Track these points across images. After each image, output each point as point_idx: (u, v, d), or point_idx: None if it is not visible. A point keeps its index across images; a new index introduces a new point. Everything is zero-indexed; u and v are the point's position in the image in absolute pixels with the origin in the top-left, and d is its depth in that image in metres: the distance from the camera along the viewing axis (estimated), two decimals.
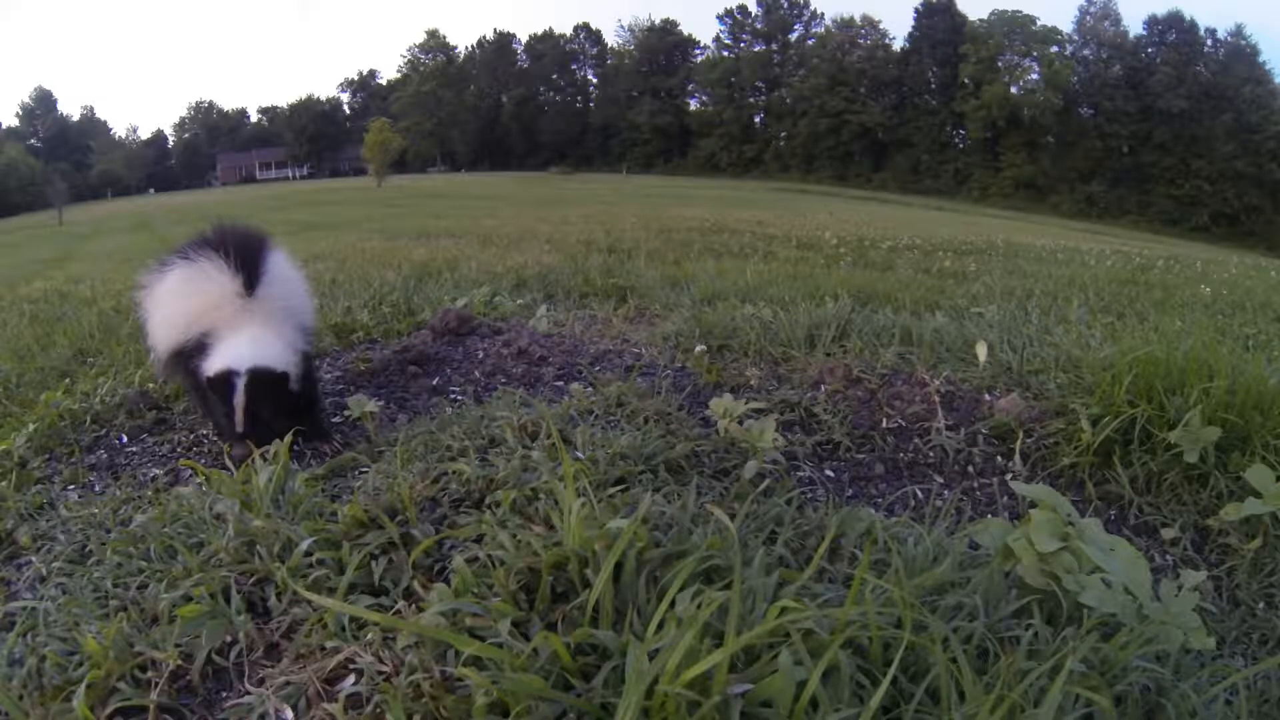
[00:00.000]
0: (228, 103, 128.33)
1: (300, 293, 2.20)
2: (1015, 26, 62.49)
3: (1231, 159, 53.54)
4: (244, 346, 1.86)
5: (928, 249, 8.05)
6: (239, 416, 1.82)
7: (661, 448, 1.79)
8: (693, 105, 78.67)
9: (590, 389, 2.26)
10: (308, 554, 1.35)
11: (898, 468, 1.96)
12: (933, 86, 67.25)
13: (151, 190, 69.19)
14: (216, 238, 2.00)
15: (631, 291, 4.13)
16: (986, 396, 2.24)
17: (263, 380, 1.83)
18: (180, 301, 1.98)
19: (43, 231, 25.00)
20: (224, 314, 1.92)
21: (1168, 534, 1.73)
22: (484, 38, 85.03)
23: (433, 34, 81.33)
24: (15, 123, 77.29)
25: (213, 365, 1.85)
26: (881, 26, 69.76)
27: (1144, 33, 60.70)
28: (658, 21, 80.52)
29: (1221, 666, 1.26)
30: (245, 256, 1.96)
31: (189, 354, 1.94)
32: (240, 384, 1.81)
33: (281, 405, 1.88)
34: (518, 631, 1.08)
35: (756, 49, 75.42)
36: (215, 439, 2.13)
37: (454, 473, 1.64)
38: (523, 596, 1.17)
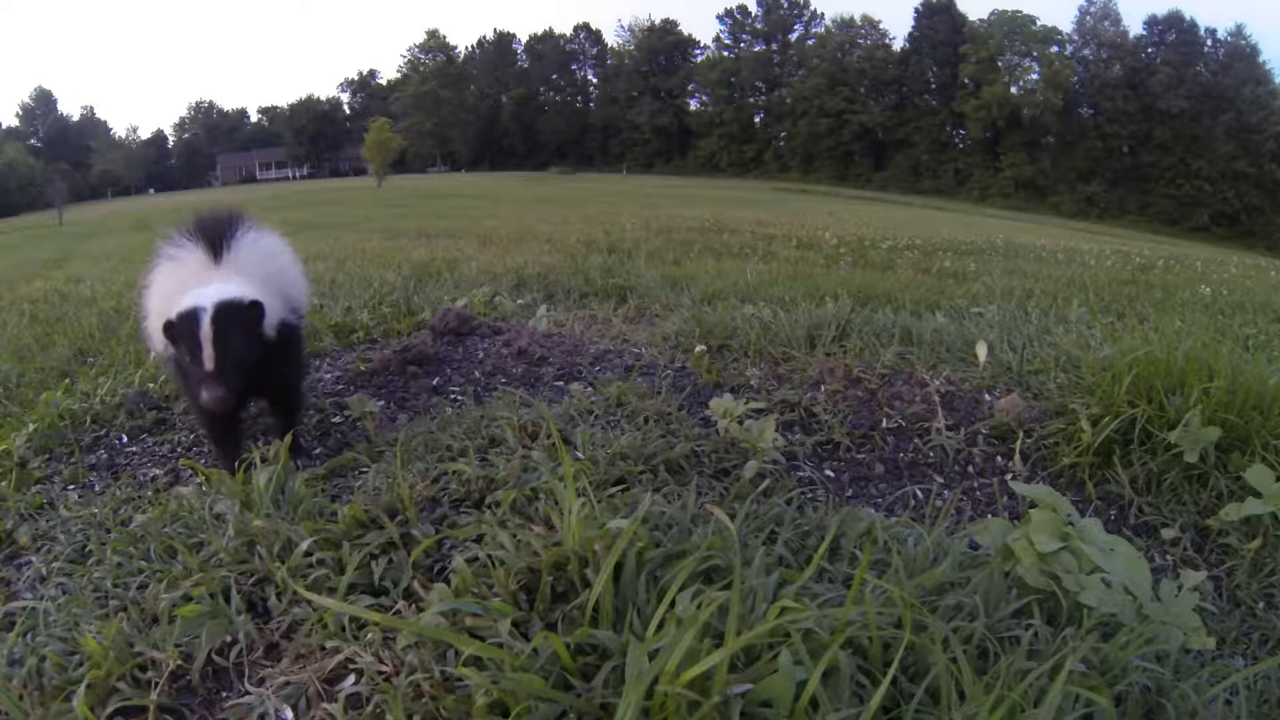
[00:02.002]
0: (228, 103, 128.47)
1: (283, 264, 2.08)
2: (1015, 26, 62.47)
3: (1231, 159, 53.52)
4: (210, 288, 1.70)
5: (928, 249, 8.05)
6: (207, 351, 1.60)
7: (661, 448, 1.79)
8: (693, 105, 78.67)
9: (590, 389, 2.26)
10: (308, 554, 1.35)
11: (898, 468, 1.96)
12: (933, 86, 67.23)
13: (151, 190, 69.20)
14: (188, 223, 1.94)
15: (631, 291, 4.13)
16: (986, 396, 2.24)
17: (232, 311, 1.65)
18: (159, 291, 1.91)
19: (43, 231, 25.00)
20: (195, 285, 1.77)
21: (1168, 534, 1.72)
22: (484, 38, 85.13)
23: (433, 34, 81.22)
24: (15, 123, 77.38)
25: (175, 310, 1.66)
26: (881, 26, 69.73)
27: (1144, 33, 60.71)
28: (658, 21, 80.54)
29: (1221, 666, 1.26)
30: (210, 229, 1.88)
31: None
32: (206, 318, 1.61)
33: (254, 346, 1.71)
34: (518, 631, 1.08)
35: (756, 49, 75.40)
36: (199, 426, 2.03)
37: (454, 473, 1.64)
38: (523, 596, 1.17)
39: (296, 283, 2.12)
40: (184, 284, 1.78)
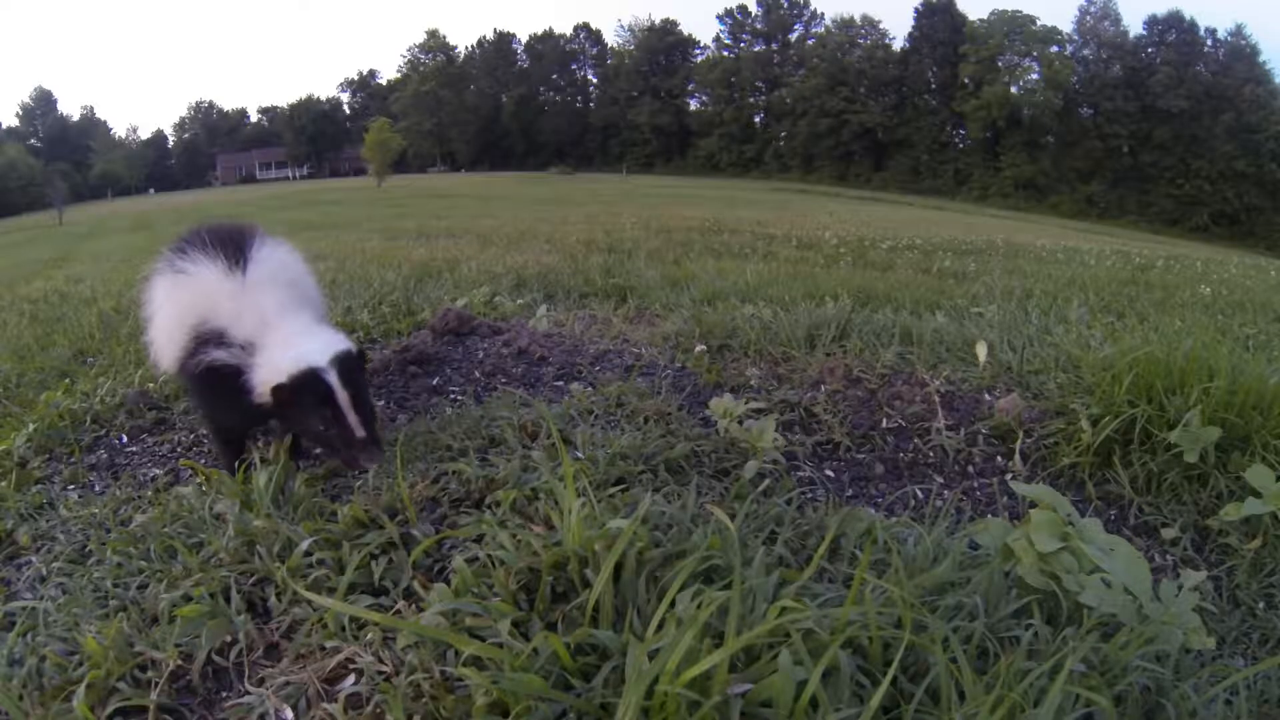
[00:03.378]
0: (228, 103, 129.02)
1: (301, 274, 2.00)
2: (1015, 26, 62.47)
3: (1231, 159, 53.53)
4: (302, 340, 1.58)
5: (928, 249, 8.05)
6: (352, 419, 1.51)
7: (661, 448, 1.79)
8: (693, 105, 78.70)
9: (590, 389, 2.26)
10: (308, 554, 1.35)
11: (898, 468, 1.96)
12: (933, 86, 67.24)
13: (151, 190, 69.27)
14: (198, 236, 1.80)
15: (631, 291, 4.13)
16: (986, 396, 2.24)
17: (355, 363, 1.57)
18: (175, 306, 1.78)
19: (43, 231, 24.98)
20: (224, 303, 1.67)
21: (1168, 534, 1.72)
22: (484, 38, 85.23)
23: (433, 34, 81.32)
24: (15, 123, 77.43)
25: (277, 370, 1.53)
26: (881, 26, 69.79)
27: (1144, 33, 60.72)
28: (658, 21, 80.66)
29: (1221, 666, 1.26)
30: (226, 240, 1.77)
31: (195, 351, 1.68)
32: (334, 379, 1.50)
33: (368, 391, 1.63)
34: (518, 631, 1.08)
35: (756, 49, 75.45)
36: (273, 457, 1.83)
37: (454, 473, 1.64)
38: (523, 596, 1.17)
39: (313, 291, 2.05)
40: (210, 301, 1.69)
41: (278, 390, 1.53)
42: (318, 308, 1.98)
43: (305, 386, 1.51)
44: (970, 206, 48.06)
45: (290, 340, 1.58)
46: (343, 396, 1.51)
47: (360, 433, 1.53)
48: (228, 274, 1.72)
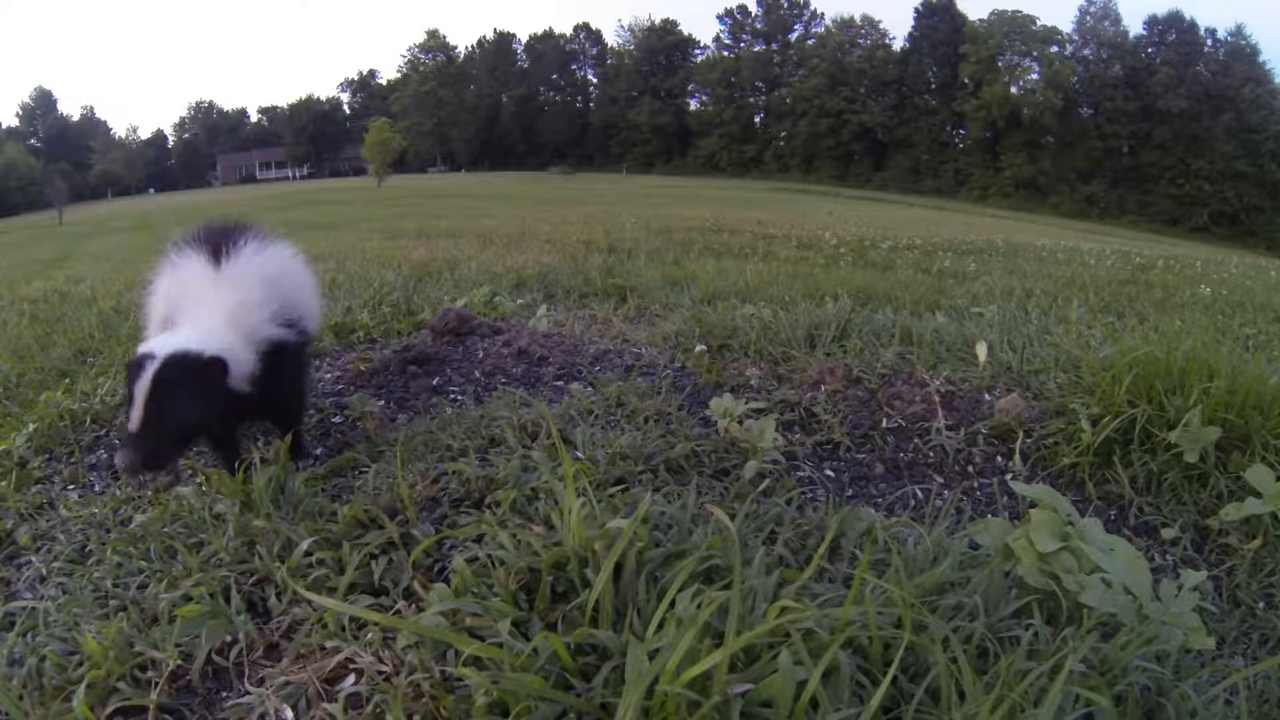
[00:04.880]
0: (228, 103, 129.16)
1: (291, 278, 1.95)
2: (1015, 26, 62.48)
3: (1231, 159, 53.54)
4: (181, 330, 1.60)
5: (928, 249, 8.05)
6: (135, 411, 1.44)
7: (661, 448, 1.79)
8: (693, 105, 78.74)
9: (590, 389, 2.26)
10: (308, 554, 1.35)
11: (898, 468, 1.96)
12: (933, 86, 67.25)
13: (151, 190, 69.30)
14: (191, 233, 1.85)
15: (631, 291, 4.13)
16: (986, 396, 2.24)
17: (178, 368, 1.47)
18: (159, 300, 1.82)
19: (43, 231, 24.96)
20: (193, 293, 1.71)
21: (1168, 534, 1.72)
22: (484, 38, 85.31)
23: (433, 34, 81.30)
24: (15, 123, 77.48)
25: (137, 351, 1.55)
26: (881, 26, 69.83)
27: (1144, 33, 60.77)
28: (658, 21, 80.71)
29: (1221, 666, 1.26)
30: (212, 237, 1.80)
31: None
32: (150, 368, 1.45)
33: (209, 405, 1.55)
34: (518, 631, 1.08)
35: (756, 49, 75.50)
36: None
37: (454, 473, 1.64)
38: (523, 596, 1.17)
39: (304, 296, 1.98)
40: (181, 294, 1.73)
41: (128, 367, 1.54)
42: (297, 313, 1.91)
43: (130, 369, 1.51)
44: (970, 206, 48.04)
45: (179, 329, 1.61)
46: (140, 390, 1.44)
47: (131, 427, 1.44)
48: (205, 268, 1.75)
